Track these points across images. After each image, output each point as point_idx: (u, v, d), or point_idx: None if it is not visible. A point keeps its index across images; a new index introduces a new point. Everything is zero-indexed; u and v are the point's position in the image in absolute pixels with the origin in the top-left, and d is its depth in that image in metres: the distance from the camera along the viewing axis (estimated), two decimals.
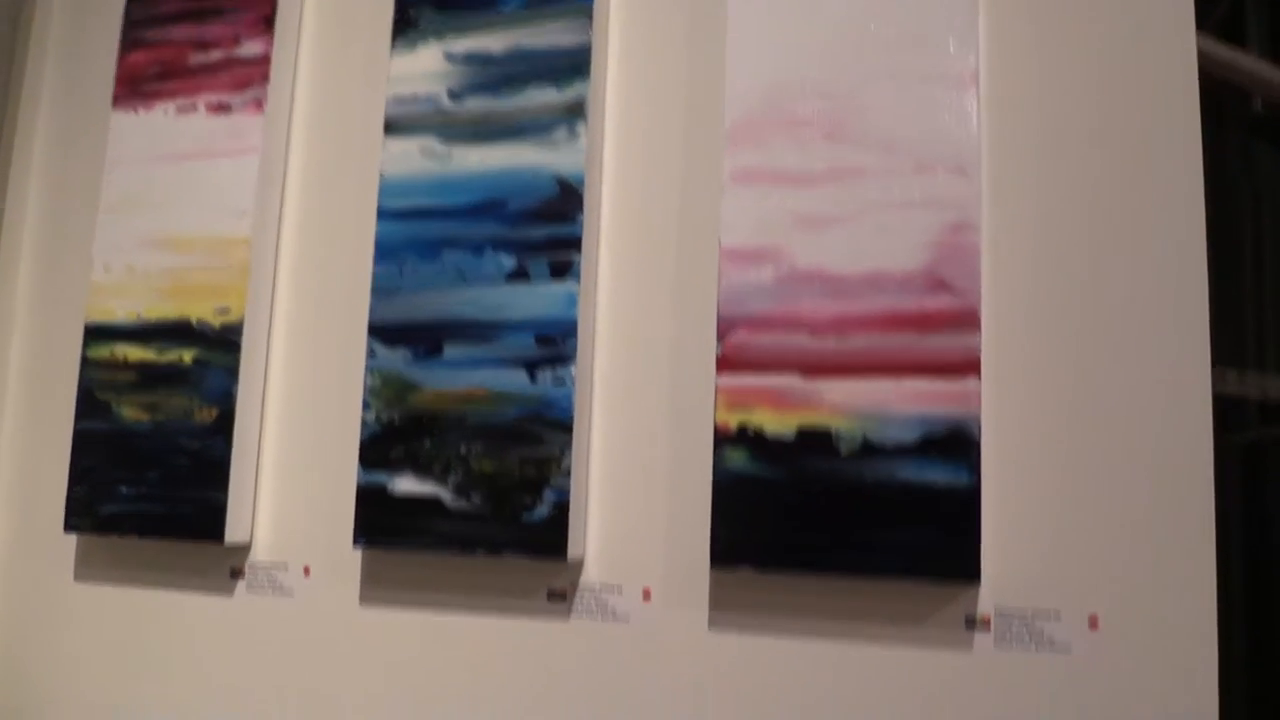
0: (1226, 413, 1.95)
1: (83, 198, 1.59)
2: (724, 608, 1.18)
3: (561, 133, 1.27)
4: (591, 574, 1.24)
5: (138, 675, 1.44)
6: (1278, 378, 1.95)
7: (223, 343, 1.40)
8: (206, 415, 1.39)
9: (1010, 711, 1.09)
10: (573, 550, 1.21)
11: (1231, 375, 1.85)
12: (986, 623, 1.11)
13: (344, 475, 1.32)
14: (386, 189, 1.34)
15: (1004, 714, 1.09)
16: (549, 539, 1.20)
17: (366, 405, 1.31)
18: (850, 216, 1.16)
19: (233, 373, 1.39)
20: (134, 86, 1.54)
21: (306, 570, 1.36)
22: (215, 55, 1.50)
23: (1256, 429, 2.01)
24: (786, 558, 1.13)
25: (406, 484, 1.27)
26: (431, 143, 1.33)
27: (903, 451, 1.10)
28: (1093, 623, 1.08)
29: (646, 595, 1.21)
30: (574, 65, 1.28)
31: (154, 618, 1.44)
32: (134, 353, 1.46)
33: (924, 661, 1.12)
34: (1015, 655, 1.10)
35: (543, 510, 1.21)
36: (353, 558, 1.33)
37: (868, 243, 1.15)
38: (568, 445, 1.21)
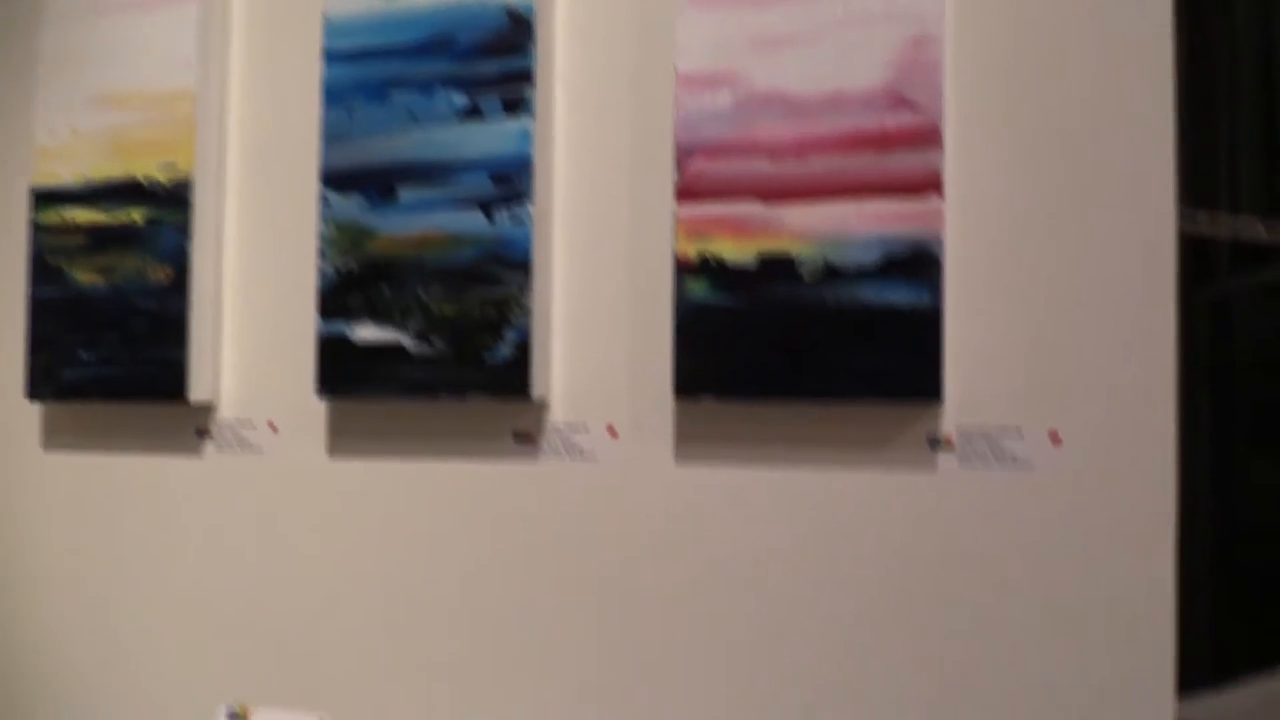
0: (1197, 260, 1.95)
1: (21, 58, 1.52)
2: (690, 440, 1.18)
3: None
4: (557, 414, 1.23)
5: (112, 541, 1.44)
6: (1250, 219, 1.94)
7: (173, 200, 1.37)
8: (162, 274, 1.37)
9: (975, 530, 1.10)
10: (537, 390, 1.20)
11: (1202, 216, 1.84)
12: (950, 442, 1.11)
13: (305, 327, 1.31)
14: (331, 30, 1.29)
15: (969, 532, 1.10)
16: (512, 379, 1.20)
17: (323, 255, 1.28)
18: (808, 35, 1.12)
19: (185, 230, 1.36)
20: None
21: (273, 426, 1.36)
22: None
23: (1227, 278, 2.00)
24: (750, 386, 1.12)
25: (367, 332, 1.26)
26: None
27: (864, 274, 1.09)
28: (1054, 438, 1.08)
29: (613, 432, 1.21)
30: None
31: (125, 483, 1.43)
32: (83, 215, 1.42)
33: (890, 484, 1.12)
34: (979, 474, 1.10)
35: (504, 351, 1.20)
36: (318, 410, 1.33)
37: (827, 62, 1.11)
38: (527, 284, 1.19)
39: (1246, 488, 2.02)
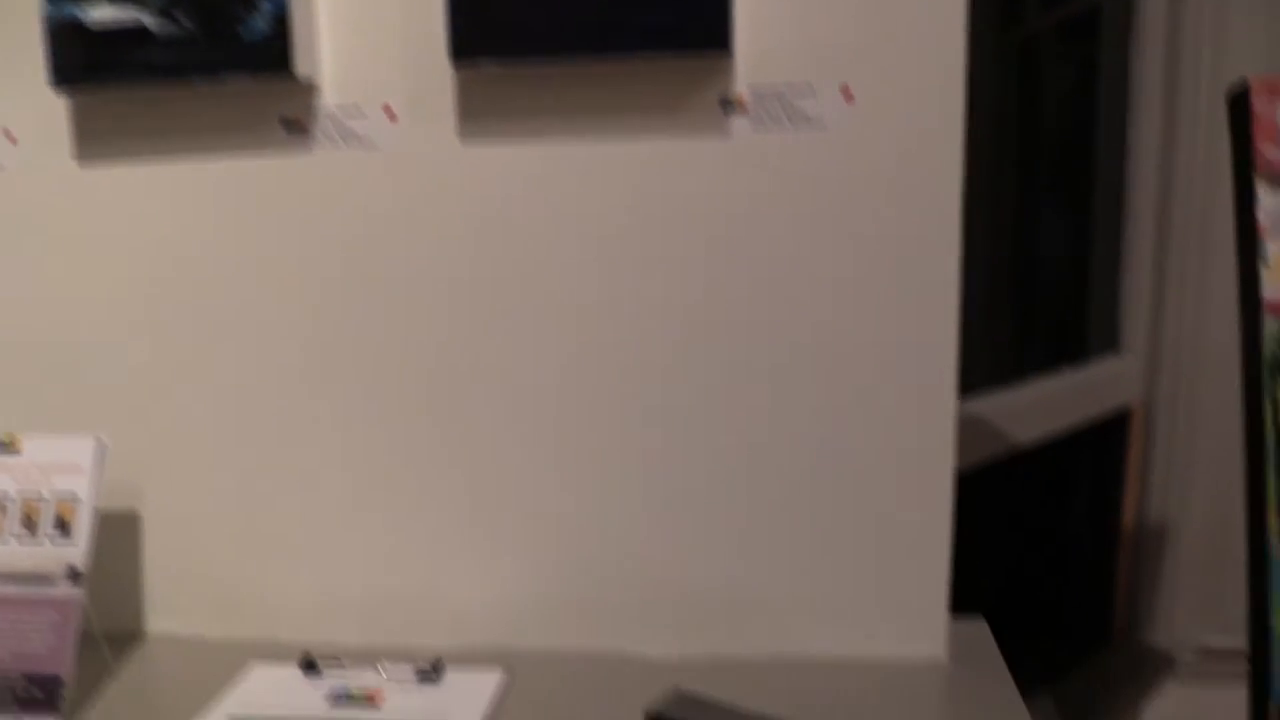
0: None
1: None
2: (474, 116, 1.11)
3: None
4: (328, 97, 1.13)
5: None
6: None
7: None
8: None
9: (770, 192, 1.09)
10: (301, 68, 1.09)
11: None
12: (742, 104, 1.07)
13: (29, 12, 1.14)
14: None
15: (764, 195, 1.09)
16: (271, 55, 1.08)
17: None
18: None
19: None
20: None
21: (9, 134, 1.20)
22: None
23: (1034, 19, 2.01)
24: (531, 44, 1.04)
25: (102, 13, 1.10)
26: None
27: None
28: (846, 95, 1.06)
29: (390, 114, 1.12)
30: None
31: None
32: None
33: (684, 150, 1.09)
34: (773, 136, 1.07)
35: (260, 24, 1.08)
36: (59, 110, 1.18)
37: None
38: None
39: (1044, 219, 2.10)
